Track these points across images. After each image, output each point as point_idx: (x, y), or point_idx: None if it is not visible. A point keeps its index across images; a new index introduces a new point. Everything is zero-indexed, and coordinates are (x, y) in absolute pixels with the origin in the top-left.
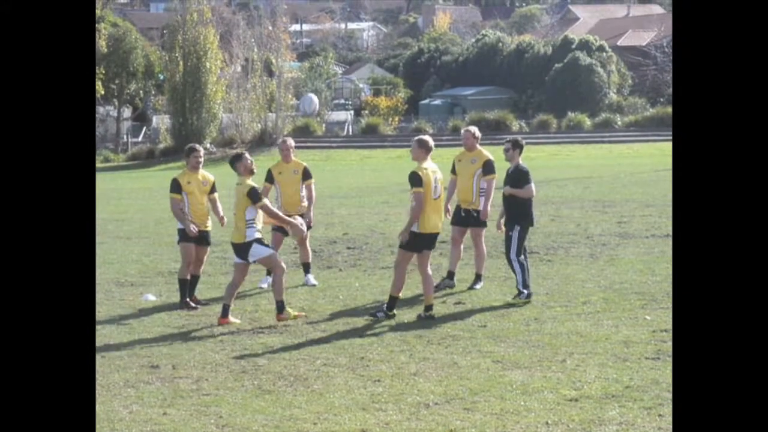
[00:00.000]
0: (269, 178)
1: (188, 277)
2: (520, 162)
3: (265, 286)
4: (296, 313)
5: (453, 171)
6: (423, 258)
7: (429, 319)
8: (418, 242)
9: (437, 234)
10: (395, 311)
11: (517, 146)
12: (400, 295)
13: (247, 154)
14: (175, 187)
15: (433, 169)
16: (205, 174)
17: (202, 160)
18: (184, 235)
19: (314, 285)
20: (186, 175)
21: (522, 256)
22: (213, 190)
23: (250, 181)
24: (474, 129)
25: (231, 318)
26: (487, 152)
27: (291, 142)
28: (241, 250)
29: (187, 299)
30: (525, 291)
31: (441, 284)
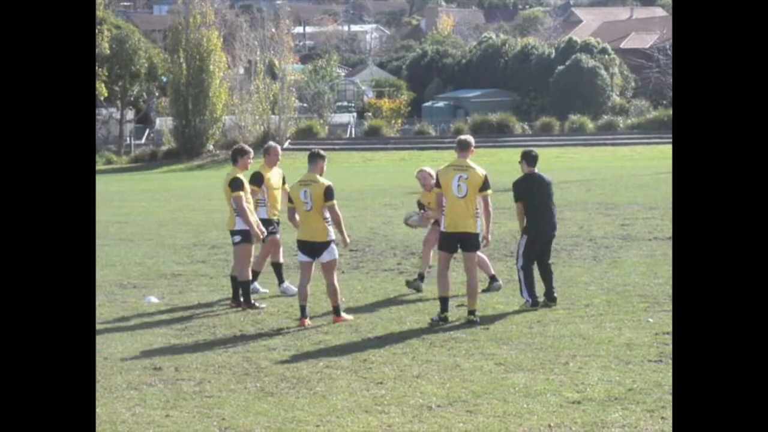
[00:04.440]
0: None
1: (250, 278)
2: (532, 172)
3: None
4: (348, 317)
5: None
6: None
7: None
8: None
9: (451, 233)
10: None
11: (523, 158)
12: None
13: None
14: (239, 185)
15: (459, 166)
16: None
17: (251, 161)
18: (246, 236)
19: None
20: (237, 173)
21: (527, 266)
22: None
23: (325, 180)
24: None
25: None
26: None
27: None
28: (323, 248)
29: (252, 301)
30: (530, 299)
31: (412, 284)
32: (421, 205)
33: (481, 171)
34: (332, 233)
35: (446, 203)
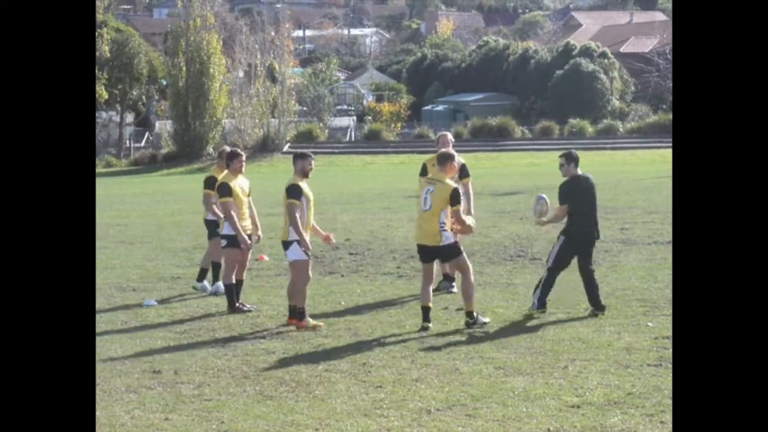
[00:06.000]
0: (424, 171)
1: (234, 282)
2: (577, 173)
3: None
4: (315, 323)
5: (423, 173)
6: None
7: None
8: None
9: (419, 245)
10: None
11: (571, 160)
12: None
13: (312, 157)
14: (227, 191)
15: (430, 180)
16: (243, 178)
17: (244, 164)
18: (231, 240)
19: (209, 291)
20: (229, 179)
21: (556, 269)
22: (249, 193)
23: (301, 182)
24: (450, 135)
25: (308, 319)
26: (460, 157)
27: (450, 136)
28: (284, 247)
29: (237, 303)
30: (535, 303)
31: (440, 286)
32: (424, 169)
33: (450, 185)
34: (294, 234)
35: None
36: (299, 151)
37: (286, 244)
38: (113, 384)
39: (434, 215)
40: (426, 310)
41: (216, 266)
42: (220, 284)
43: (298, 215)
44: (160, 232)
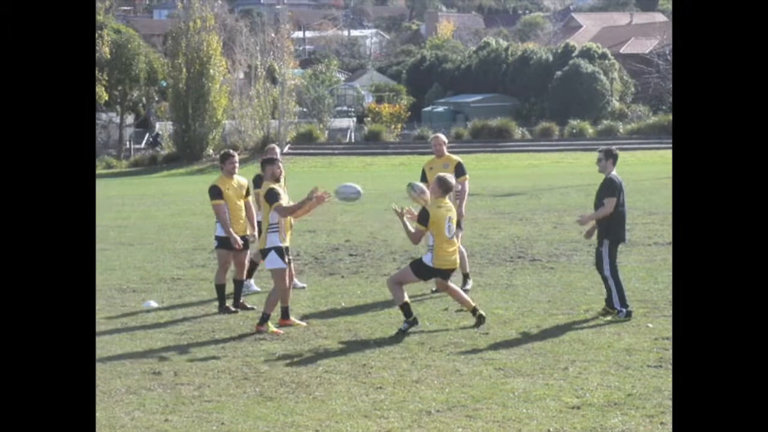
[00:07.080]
0: (423, 177)
1: (225, 283)
2: (612, 173)
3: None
4: (274, 329)
5: (423, 179)
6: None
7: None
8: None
9: (448, 270)
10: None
11: (609, 156)
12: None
13: (280, 161)
14: (217, 193)
15: (448, 207)
16: (239, 179)
17: (237, 164)
18: (222, 242)
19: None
20: (223, 181)
21: (615, 272)
22: (247, 193)
23: (273, 185)
24: (443, 135)
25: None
26: (456, 156)
27: (443, 137)
28: (263, 255)
29: (227, 304)
30: (623, 309)
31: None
32: (424, 174)
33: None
34: (271, 240)
35: (436, 242)
36: (267, 156)
37: (264, 252)
38: (113, 385)
39: (456, 238)
40: (406, 306)
41: (252, 265)
42: (252, 282)
43: (282, 214)
44: (160, 233)
